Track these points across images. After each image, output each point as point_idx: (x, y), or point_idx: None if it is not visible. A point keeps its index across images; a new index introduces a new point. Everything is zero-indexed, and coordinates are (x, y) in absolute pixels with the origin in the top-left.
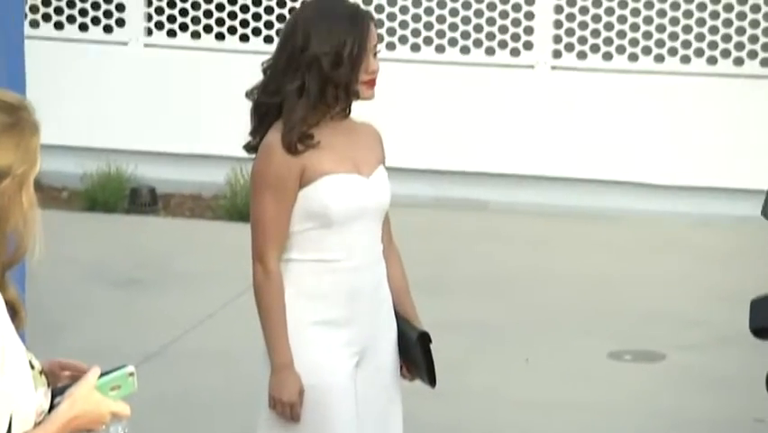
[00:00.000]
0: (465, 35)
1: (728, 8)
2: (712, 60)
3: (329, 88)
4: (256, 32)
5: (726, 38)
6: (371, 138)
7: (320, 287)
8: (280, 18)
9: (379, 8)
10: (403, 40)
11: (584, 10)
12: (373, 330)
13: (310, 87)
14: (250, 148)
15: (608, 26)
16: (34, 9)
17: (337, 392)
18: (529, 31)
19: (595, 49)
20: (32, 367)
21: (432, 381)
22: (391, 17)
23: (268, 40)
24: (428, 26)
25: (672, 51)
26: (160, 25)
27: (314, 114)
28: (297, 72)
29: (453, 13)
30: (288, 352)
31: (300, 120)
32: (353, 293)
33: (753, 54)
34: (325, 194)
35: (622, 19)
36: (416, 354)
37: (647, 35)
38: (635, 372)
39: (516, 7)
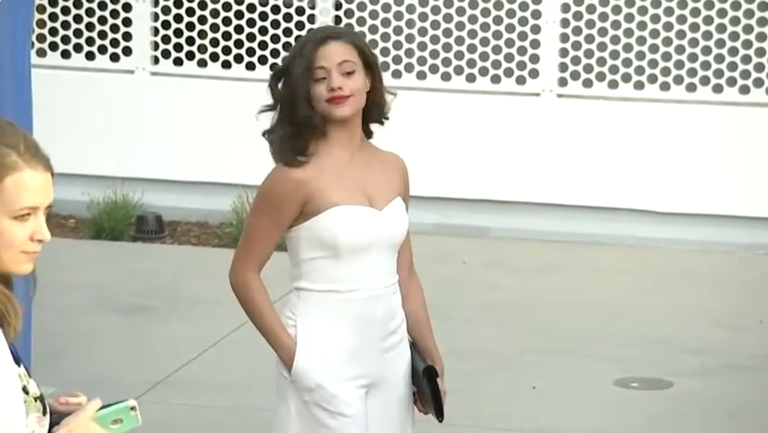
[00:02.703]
0: (471, 63)
1: (734, 36)
2: (718, 89)
3: (286, 107)
4: (262, 60)
5: (732, 66)
6: (392, 169)
7: (330, 317)
8: (286, 47)
9: (386, 36)
10: (409, 67)
11: (590, 38)
12: (384, 361)
13: (277, 107)
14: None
15: (614, 54)
16: (41, 38)
17: (348, 422)
18: (535, 59)
19: (601, 77)
20: (27, 392)
21: (439, 414)
22: (397, 45)
23: (274, 68)
24: (434, 54)
25: (678, 80)
26: (166, 54)
27: (296, 135)
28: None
29: (459, 41)
30: (290, 339)
31: (284, 138)
32: (364, 324)
33: (759, 82)
34: (334, 225)
35: (628, 47)
36: (423, 387)
37: (653, 63)
38: (642, 399)
39: (522, 35)
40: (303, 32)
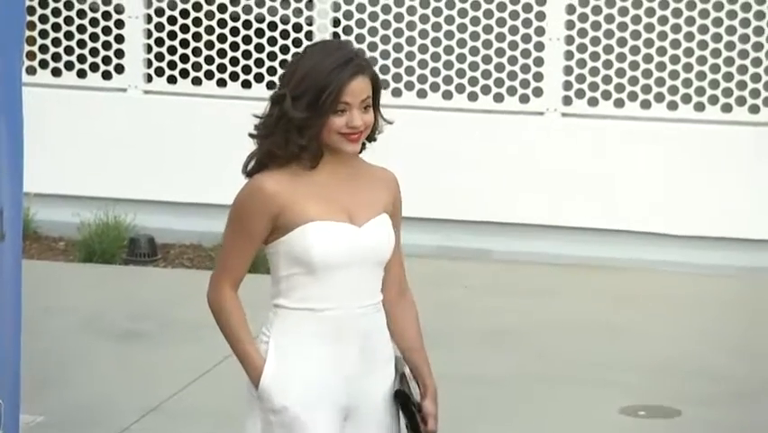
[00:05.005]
0: (473, 81)
1: (743, 54)
2: (727, 108)
3: (292, 130)
4: (258, 78)
5: (741, 85)
6: (380, 185)
7: (305, 337)
8: (283, 64)
9: (385, 54)
10: (409, 86)
11: (595, 56)
12: (362, 385)
13: (273, 122)
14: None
15: (620, 72)
16: (31, 55)
17: None
18: (539, 77)
19: (606, 95)
20: None
21: None
22: (397, 63)
23: (270, 86)
24: (435, 72)
25: (686, 98)
26: (159, 71)
27: (282, 153)
28: (273, 108)
29: (461, 58)
30: (259, 357)
31: (264, 153)
32: (340, 345)
33: None
34: (309, 240)
35: (634, 65)
36: (399, 413)
37: (660, 81)
38: (650, 428)
39: (526, 53)
40: (300, 50)
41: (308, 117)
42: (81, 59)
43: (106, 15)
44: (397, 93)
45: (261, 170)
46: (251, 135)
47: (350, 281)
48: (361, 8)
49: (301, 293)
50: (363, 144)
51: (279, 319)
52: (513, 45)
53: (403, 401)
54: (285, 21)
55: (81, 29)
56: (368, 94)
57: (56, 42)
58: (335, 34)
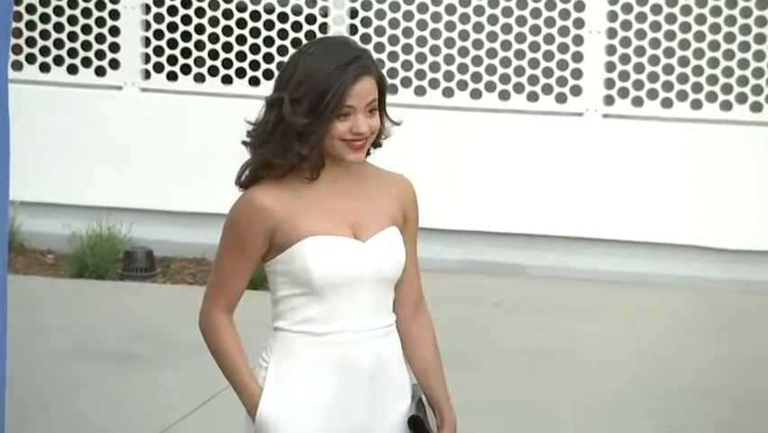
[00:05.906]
0: (504, 78)
1: None
2: None
3: (291, 137)
4: (267, 74)
5: None
6: (390, 193)
7: (307, 363)
8: None
9: (407, 48)
10: (434, 83)
11: (640, 50)
12: (374, 414)
13: (269, 128)
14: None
15: (668, 69)
16: (17, 49)
17: None
18: (578, 74)
19: (652, 95)
20: None
21: None
22: (421, 58)
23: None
24: (463, 68)
25: (741, 98)
26: (158, 67)
27: (280, 163)
28: (269, 112)
29: (491, 53)
30: (256, 385)
31: (260, 163)
32: (347, 372)
33: None
34: (308, 258)
35: (683, 61)
36: None
37: (712, 79)
38: None
39: (563, 47)
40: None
41: (309, 123)
42: (72, 53)
43: (100, 5)
44: (420, 91)
45: (256, 181)
46: (244, 143)
47: (355, 302)
48: None
49: (302, 315)
50: (368, 150)
51: (279, 343)
52: (549, 39)
53: (417, 429)
54: (297, 11)
55: (72, 20)
56: (374, 96)
57: (44, 35)
58: (352, 26)
